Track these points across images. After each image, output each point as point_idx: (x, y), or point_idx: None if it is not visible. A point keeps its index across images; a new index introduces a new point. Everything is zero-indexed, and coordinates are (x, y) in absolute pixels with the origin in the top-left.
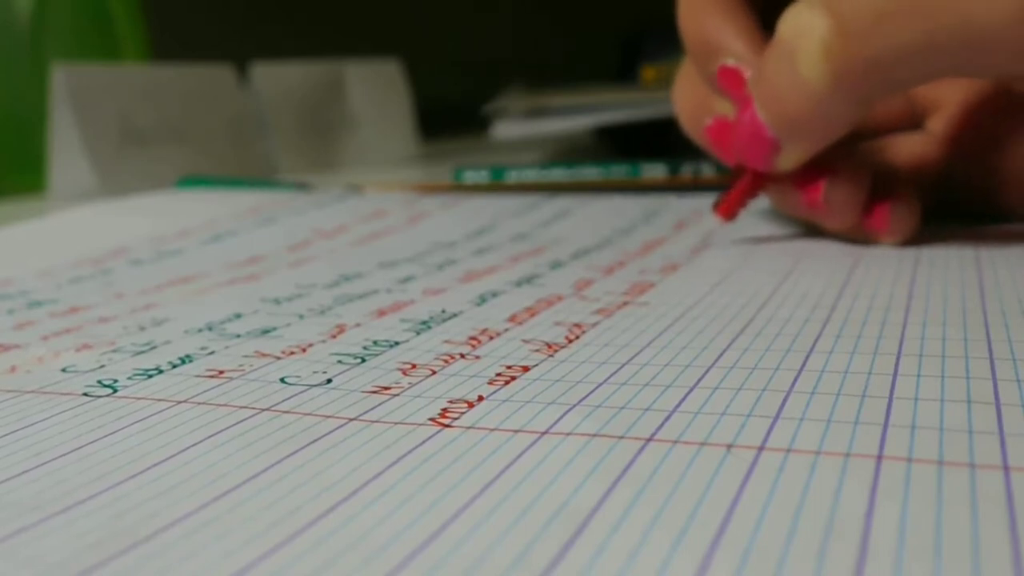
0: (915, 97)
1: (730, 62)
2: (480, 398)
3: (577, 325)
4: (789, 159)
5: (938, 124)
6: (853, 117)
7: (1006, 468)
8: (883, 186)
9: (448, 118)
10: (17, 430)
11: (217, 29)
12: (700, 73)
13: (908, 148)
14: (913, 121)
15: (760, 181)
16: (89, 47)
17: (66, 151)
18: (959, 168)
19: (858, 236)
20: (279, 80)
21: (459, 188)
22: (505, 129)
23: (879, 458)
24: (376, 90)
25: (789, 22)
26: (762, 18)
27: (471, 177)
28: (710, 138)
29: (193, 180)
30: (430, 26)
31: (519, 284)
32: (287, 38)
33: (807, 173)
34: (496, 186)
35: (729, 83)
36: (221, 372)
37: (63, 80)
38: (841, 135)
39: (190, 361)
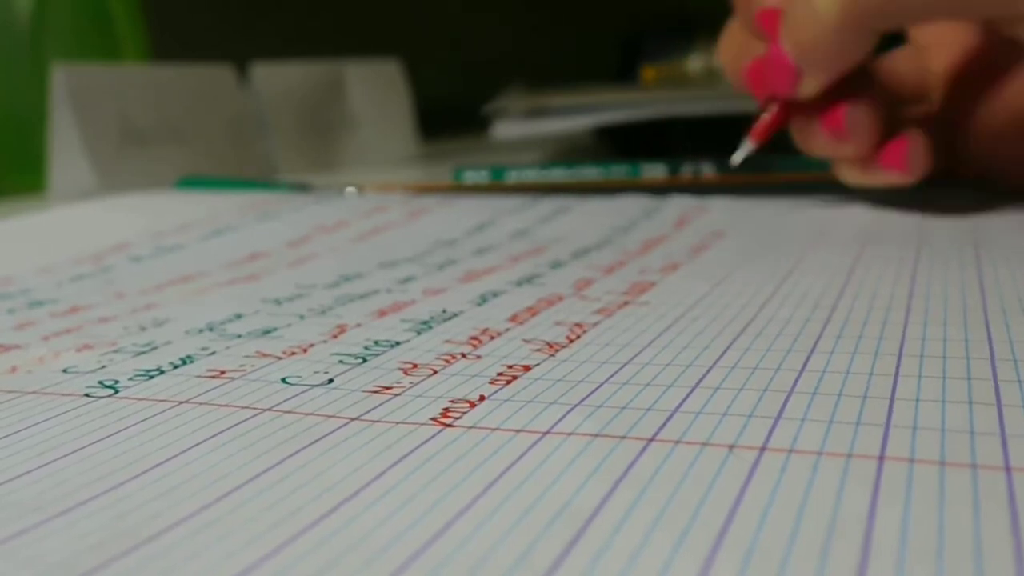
0: (928, 74)
1: (768, 3)
2: (482, 398)
3: (578, 325)
4: (810, 85)
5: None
6: (861, 48)
7: (1008, 469)
8: (897, 127)
9: (448, 118)
10: (19, 431)
11: (217, 29)
12: (742, 19)
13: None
14: (925, 93)
15: (788, 112)
16: (89, 47)
17: (66, 151)
18: (959, 134)
19: (875, 178)
20: (279, 80)
21: (459, 188)
22: (505, 129)
23: (881, 459)
24: (376, 90)
25: None
26: None
27: (471, 177)
28: (749, 77)
29: (193, 180)
30: (430, 26)
31: (519, 284)
32: (287, 38)
33: (829, 101)
34: (496, 186)
35: (767, 23)
36: (222, 372)
37: (63, 80)
38: (851, 64)
39: (191, 362)
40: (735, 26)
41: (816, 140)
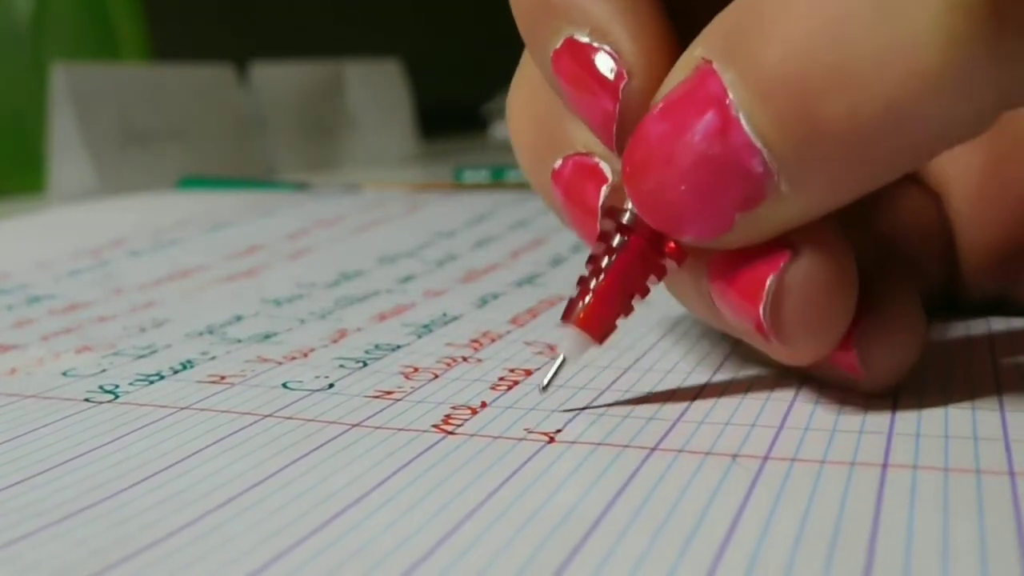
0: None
1: (582, 36)
2: (483, 404)
3: None
4: (776, 215)
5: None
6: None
7: (1012, 473)
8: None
9: (448, 118)
10: (19, 435)
11: (217, 29)
12: (538, 65)
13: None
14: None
15: (653, 267)
16: (89, 47)
17: (66, 151)
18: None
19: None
20: (279, 80)
21: (459, 188)
22: (505, 129)
23: (884, 466)
24: (376, 90)
25: None
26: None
27: (471, 177)
28: (560, 191)
29: (193, 180)
30: (430, 26)
31: (520, 284)
32: (287, 38)
33: (754, 256)
34: (496, 186)
35: (577, 76)
36: (223, 378)
37: (63, 80)
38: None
39: (191, 367)
40: (530, 76)
41: (720, 314)
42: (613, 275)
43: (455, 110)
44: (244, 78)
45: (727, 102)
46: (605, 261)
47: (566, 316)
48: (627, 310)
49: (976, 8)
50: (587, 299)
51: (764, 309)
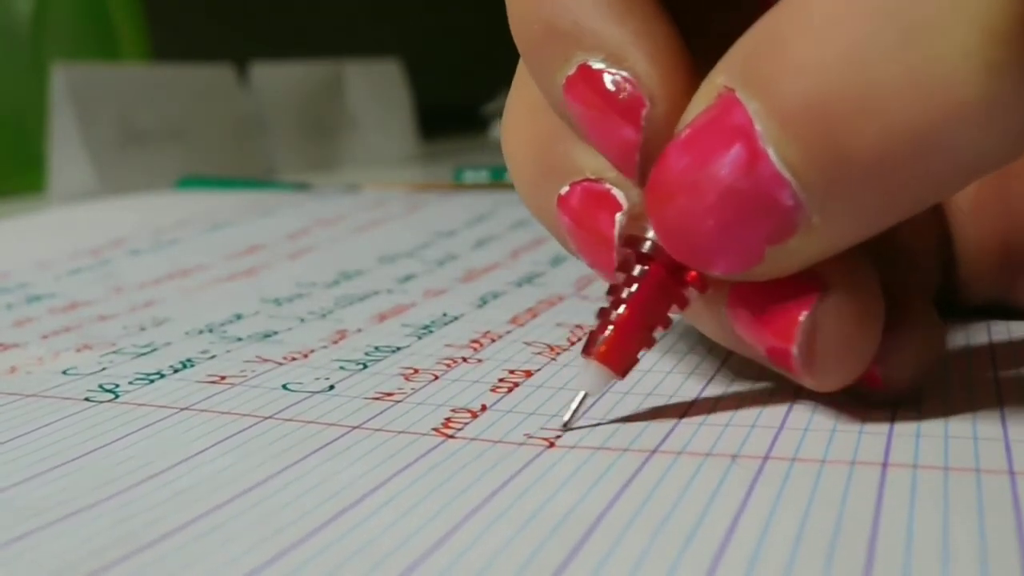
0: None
1: (596, 62)
2: (483, 407)
3: (579, 326)
4: (807, 247)
5: None
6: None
7: (1012, 473)
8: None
9: (448, 118)
10: (19, 435)
11: (217, 29)
12: (545, 92)
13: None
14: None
15: (675, 297)
16: (89, 47)
17: (66, 151)
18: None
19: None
20: (279, 80)
21: (458, 188)
22: None
23: (884, 466)
24: (376, 90)
25: None
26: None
27: (471, 177)
28: (568, 218)
29: (193, 180)
30: (430, 26)
31: (520, 284)
32: (287, 38)
33: (782, 290)
34: (496, 186)
35: (593, 105)
36: (223, 378)
37: (63, 80)
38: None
39: (191, 366)
40: (530, 98)
41: (745, 343)
42: (634, 307)
43: (455, 110)
44: (244, 78)
45: (754, 133)
46: (625, 292)
47: (587, 350)
48: (649, 342)
49: (1011, 34)
50: (607, 332)
51: (798, 349)
